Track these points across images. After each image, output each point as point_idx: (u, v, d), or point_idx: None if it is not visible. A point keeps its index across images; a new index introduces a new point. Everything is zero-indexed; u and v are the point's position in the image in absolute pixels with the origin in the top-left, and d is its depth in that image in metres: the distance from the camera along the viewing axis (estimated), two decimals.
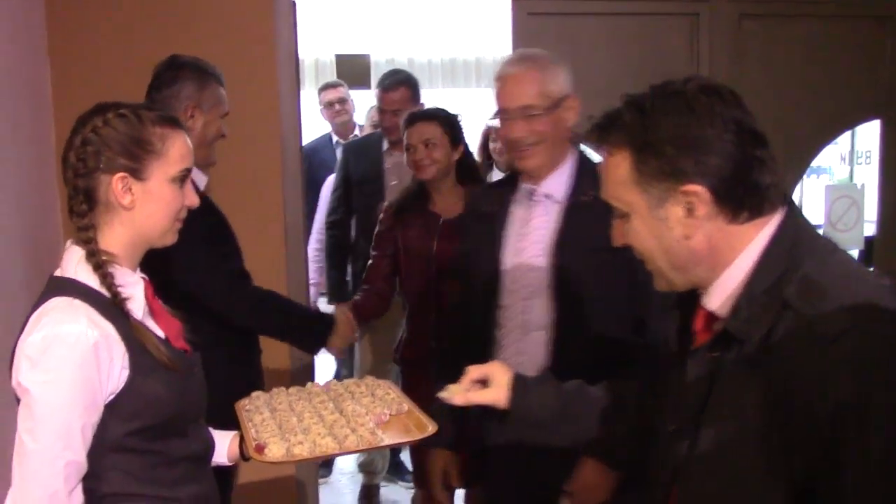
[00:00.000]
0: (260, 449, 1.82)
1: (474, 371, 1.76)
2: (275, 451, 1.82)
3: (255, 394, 2.22)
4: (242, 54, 3.23)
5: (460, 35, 7.88)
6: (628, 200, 1.36)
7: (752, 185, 1.30)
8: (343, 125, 5.11)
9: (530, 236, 2.29)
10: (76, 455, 1.49)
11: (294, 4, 3.47)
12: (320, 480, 3.97)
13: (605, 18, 3.75)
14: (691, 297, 1.43)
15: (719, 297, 1.34)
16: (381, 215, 3.29)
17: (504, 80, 2.26)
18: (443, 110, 3.23)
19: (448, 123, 3.14)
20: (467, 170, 3.21)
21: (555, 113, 2.22)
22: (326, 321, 2.78)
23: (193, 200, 1.72)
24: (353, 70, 7.67)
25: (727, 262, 1.33)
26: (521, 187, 2.34)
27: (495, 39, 7.79)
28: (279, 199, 3.40)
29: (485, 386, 1.74)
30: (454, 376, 1.80)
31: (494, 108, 2.30)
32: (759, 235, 1.31)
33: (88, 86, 3.14)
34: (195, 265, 2.36)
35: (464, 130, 3.25)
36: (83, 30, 3.19)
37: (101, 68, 3.19)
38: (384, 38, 7.86)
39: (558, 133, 2.25)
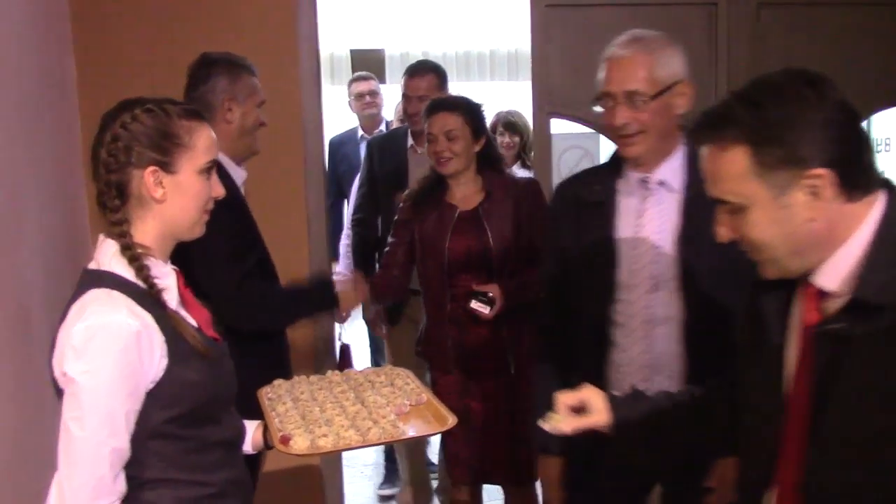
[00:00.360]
0: (285, 441, 1.86)
1: (569, 398, 1.78)
2: (300, 444, 1.86)
3: (276, 382, 2.25)
4: (265, 48, 3.24)
5: (475, 28, 7.89)
6: (748, 193, 1.40)
7: (865, 164, 1.39)
8: (371, 118, 5.03)
9: (647, 227, 2.17)
10: (120, 442, 1.54)
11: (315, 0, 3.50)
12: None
13: (623, 9, 3.75)
14: (783, 282, 1.49)
15: (836, 274, 1.39)
16: (401, 204, 3.29)
17: (610, 63, 2.15)
18: (465, 99, 3.17)
19: (470, 114, 3.08)
20: (489, 160, 3.15)
21: (662, 99, 2.10)
22: (328, 288, 2.78)
23: (220, 191, 1.75)
24: (367, 64, 7.68)
25: (842, 240, 1.39)
26: (629, 175, 2.22)
27: (509, 32, 7.83)
28: (301, 193, 3.43)
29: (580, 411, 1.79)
30: (559, 386, 1.86)
31: (600, 89, 2.18)
32: (871, 211, 1.38)
33: (112, 81, 3.17)
34: (210, 264, 2.33)
35: (486, 121, 3.19)
36: (107, 25, 3.22)
37: (125, 63, 3.22)
38: (398, 32, 7.87)
39: (666, 121, 2.13)
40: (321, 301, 2.77)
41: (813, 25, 3.89)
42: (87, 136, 3.12)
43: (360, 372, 2.36)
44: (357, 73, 5.45)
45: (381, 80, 7.35)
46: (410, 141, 3.99)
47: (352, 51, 7.90)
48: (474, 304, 2.93)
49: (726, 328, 2.03)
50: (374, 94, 5.08)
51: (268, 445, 1.98)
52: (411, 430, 2.01)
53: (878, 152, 7.37)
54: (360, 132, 5.01)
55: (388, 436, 1.93)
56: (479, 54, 8.03)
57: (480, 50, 8.05)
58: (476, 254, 3.02)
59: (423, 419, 2.06)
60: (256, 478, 2.70)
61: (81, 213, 3.14)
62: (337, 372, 2.40)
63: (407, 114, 3.97)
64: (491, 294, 2.91)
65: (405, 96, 3.93)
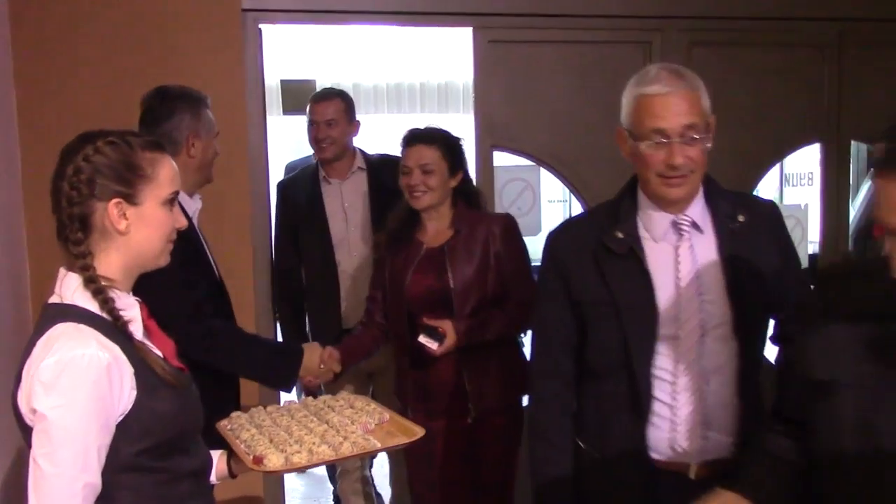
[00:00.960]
0: (258, 460, 1.85)
1: None
2: (274, 461, 1.85)
3: (234, 414, 2.23)
4: (212, 79, 3.24)
5: (406, 60, 7.97)
6: None
7: None
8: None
9: (687, 272, 2.03)
10: (92, 477, 1.52)
11: (261, 31, 3.51)
12: None
13: (563, 46, 3.86)
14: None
15: None
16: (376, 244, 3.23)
17: (660, 100, 1.96)
18: (444, 132, 3.01)
19: (448, 147, 2.95)
20: (466, 196, 3.02)
21: (709, 135, 2.01)
22: (294, 354, 2.72)
23: (182, 222, 1.76)
24: (298, 95, 7.68)
25: None
26: (654, 217, 2.07)
27: (440, 64, 7.93)
28: (247, 222, 3.43)
29: None
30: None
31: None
32: None
33: (54, 111, 3.13)
34: (160, 290, 2.30)
35: (464, 155, 3.06)
36: (50, 54, 3.16)
37: (68, 91, 3.18)
38: (329, 63, 7.89)
39: (706, 158, 2.02)
40: (278, 367, 2.66)
41: (742, 65, 4.07)
42: (28, 165, 3.09)
43: (318, 399, 2.36)
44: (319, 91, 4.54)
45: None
46: (322, 173, 3.77)
47: (282, 81, 7.88)
48: (422, 339, 2.83)
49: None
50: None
51: (232, 475, 1.96)
52: (382, 443, 2.02)
53: (801, 186, 7.73)
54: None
55: (360, 448, 1.95)
56: (409, 86, 8.11)
57: (411, 82, 8.13)
58: (436, 292, 2.89)
59: (390, 434, 2.08)
60: None
61: (21, 248, 3.07)
62: (294, 401, 2.40)
63: (315, 138, 3.73)
64: (441, 329, 2.81)
65: (312, 122, 3.74)
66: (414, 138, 2.98)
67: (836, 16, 4.12)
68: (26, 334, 2.87)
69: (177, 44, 3.27)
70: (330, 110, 3.70)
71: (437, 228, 2.98)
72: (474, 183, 3.55)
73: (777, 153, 4.39)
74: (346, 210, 3.71)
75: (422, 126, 3.06)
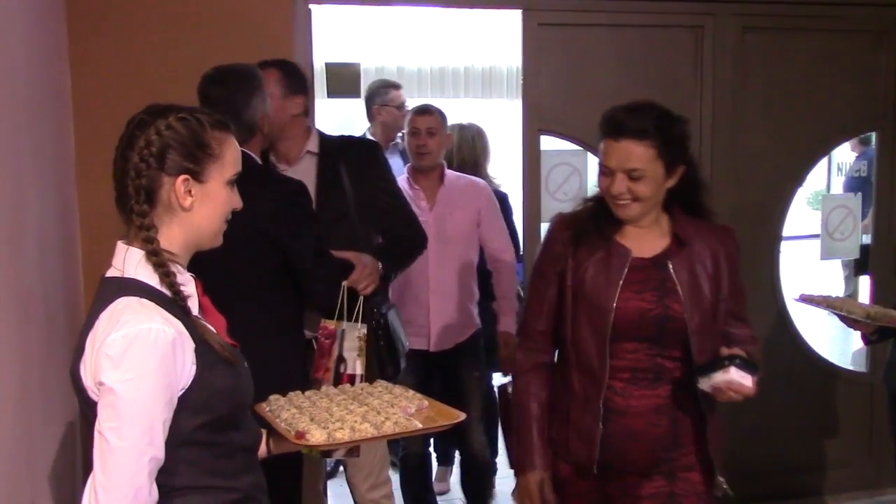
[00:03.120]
0: (301, 435, 1.84)
1: None
2: (317, 436, 1.84)
3: (272, 397, 2.23)
4: (261, 59, 3.25)
5: (450, 44, 7.95)
6: None
7: None
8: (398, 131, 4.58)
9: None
10: (158, 451, 1.53)
11: (310, 11, 3.51)
12: None
13: (614, 30, 3.82)
14: None
15: None
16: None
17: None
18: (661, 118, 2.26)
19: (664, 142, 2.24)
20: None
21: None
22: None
23: (239, 203, 1.77)
24: (342, 78, 7.67)
25: None
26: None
27: (485, 49, 7.90)
28: None
29: None
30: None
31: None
32: None
33: (107, 90, 3.16)
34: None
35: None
36: (103, 34, 3.19)
37: (120, 73, 3.21)
38: (374, 46, 7.89)
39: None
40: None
41: (795, 50, 4.01)
42: (81, 143, 3.14)
43: (355, 386, 2.36)
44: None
45: (357, 94, 7.38)
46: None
47: (327, 64, 7.89)
48: (734, 374, 2.07)
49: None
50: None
51: (270, 453, 1.97)
52: (424, 424, 2.02)
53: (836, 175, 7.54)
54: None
55: (402, 427, 1.94)
56: (454, 70, 8.09)
57: (455, 66, 8.11)
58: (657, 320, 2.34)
59: (430, 419, 2.08)
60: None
61: (73, 220, 3.11)
62: (331, 386, 2.40)
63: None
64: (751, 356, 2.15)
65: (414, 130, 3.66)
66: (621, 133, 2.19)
67: (892, 1, 4.03)
68: (79, 305, 2.95)
69: (228, 23, 3.28)
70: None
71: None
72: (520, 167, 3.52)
73: (829, 143, 4.32)
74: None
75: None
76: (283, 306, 2.68)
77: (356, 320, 2.75)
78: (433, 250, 3.44)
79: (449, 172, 3.76)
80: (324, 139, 3.11)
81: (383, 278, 2.93)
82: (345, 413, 2.00)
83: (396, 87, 4.76)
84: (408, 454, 3.88)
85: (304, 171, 3.01)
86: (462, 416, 2.03)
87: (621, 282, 2.22)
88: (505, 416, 2.64)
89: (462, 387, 3.70)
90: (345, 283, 2.76)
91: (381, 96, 4.63)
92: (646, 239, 2.27)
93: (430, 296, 3.65)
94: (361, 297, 2.76)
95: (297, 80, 3.00)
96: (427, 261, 3.48)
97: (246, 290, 2.53)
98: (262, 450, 1.96)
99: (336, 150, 3.09)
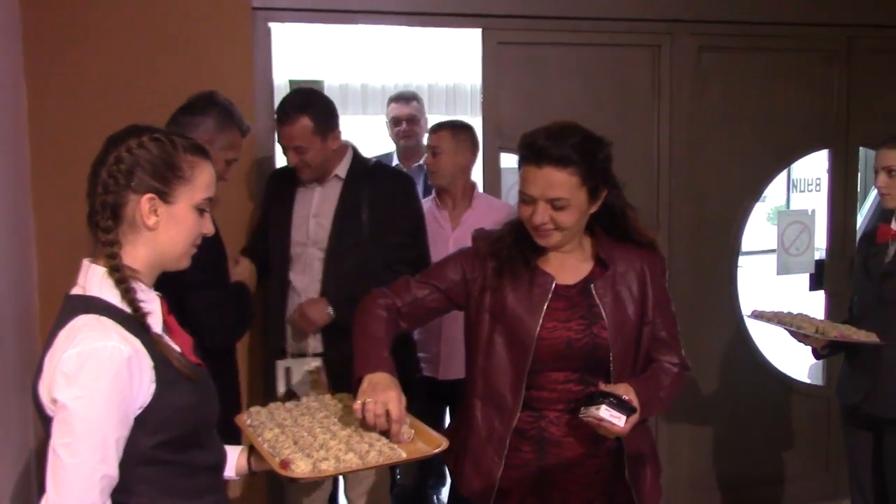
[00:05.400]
0: (285, 465, 1.84)
1: None
2: (302, 467, 1.83)
3: (253, 409, 2.22)
4: (220, 78, 3.25)
5: (414, 61, 7.97)
6: None
7: None
8: (410, 149, 4.38)
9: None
10: (110, 468, 1.53)
11: (270, 30, 3.52)
12: None
13: (572, 48, 3.87)
14: None
15: None
16: None
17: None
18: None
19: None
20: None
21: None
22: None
23: (210, 229, 1.78)
24: None
25: None
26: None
27: (448, 66, 7.93)
28: (253, 221, 3.43)
29: None
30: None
31: None
32: None
33: (64, 106, 3.15)
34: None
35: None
36: (60, 51, 3.18)
37: (77, 89, 3.19)
38: (338, 63, 7.89)
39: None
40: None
41: (750, 70, 4.08)
42: (37, 165, 3.11)
43: (335, 397, 2.34)
44: (398, 93, 4.60)
45: None
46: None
47: (291, 81, 7.89)
48: (604, 412, 2.03)
49: None
50: (413, 120, 4.38)
51: (252, 471, 1.96)
52: (408, 454, 1.99)
53: (808, 192, 7.74)
54: (396, 161, 4.38)
55: (386, 458, 1.93)
56: (417, 87, 8.10)
57: (419, 83, 8.13)
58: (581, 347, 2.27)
59: (413, 443, 2.06)
60: None
61: (29, 241, 3.08)
62: (312, 396, 2.37)
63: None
64: (628, 398, 2.07)
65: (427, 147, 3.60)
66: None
67: (845, 22, 4.12)
68: (32, 325, 2.92)
69: (186, 41, 3.28)
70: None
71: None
72: (481, 184, 3.49)
73: (785, 159, 4.39)
74: (312, 221, 3.11)
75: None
76: None
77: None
78: None
79: (481, 195, 3.63)
80: (355, 163, 3.12)
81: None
82: (328, 438, 1.98)
83: (398, 98, 4.46)
84: (402, 489, 3.76)
85: (329, 195, 3.07)
86: (445, 443, 1.99)
87: (544, 310, 2.16)
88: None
89: None
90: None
91: (387, 111, 4.46)
92: (568, 264, 2.22)
93: (442, 321, 3.32)
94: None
95: (328, 117, 3.02)
96: None
97: None
98: (243, 467, 1.95)
99: (363, 176, 3.08)
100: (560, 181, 2.06)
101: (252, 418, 2.12)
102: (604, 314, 2.16)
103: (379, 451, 1.91)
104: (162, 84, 3.18)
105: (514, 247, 2.21)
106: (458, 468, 2.30)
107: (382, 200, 3.02)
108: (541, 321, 2.15)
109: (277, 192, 3.18)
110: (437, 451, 1.99)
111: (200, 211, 1.72)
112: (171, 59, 3.26)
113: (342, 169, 3.08)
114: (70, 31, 3.19)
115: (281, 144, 3.06)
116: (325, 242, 3.03)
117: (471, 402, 2.29)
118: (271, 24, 3.53)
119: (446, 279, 2.27)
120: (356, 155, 3.15)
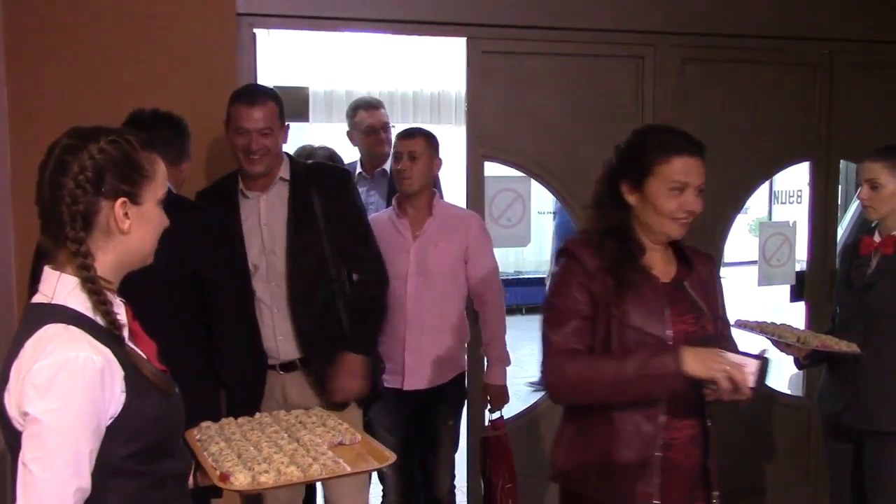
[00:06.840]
0: (225, 477, 1.83)
1: None
2: (241, 480, 1.83)
3: (204, 424, 2.20)
4: (205, 84, 3.24)
5: (399, 69, 7.98)
6: None
7: None
8: (377, 157, 4.21)
9: None
10: (83, 481, 1.49)
11: (255, 36, 3.51)
12: None
13: (557, 59, 3.87)
14: None
15: None
16: None
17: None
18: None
19: None
20: None
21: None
22: None
23: (167, 221, 1.74)
24: (291, 102, 7.66)
25: None
26: None
27: (433, 74, 7.95)
28: None
29: None
30: None
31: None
32: None
33: (46, 112, 3.12)
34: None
35: None
36: (43, 55, 3.15)
37: (60, 94, 3.16)
38: (323, 70, 7.90)
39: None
40: None
41: (733, 82, 4.10)
42: (17, 169, 3.08)
43: (290, 413, 2.33)
44: (362, 100, 4.43)
45: (305, 118, 7.35)
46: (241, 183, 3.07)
47: (276, 87, 7.87)
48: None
49: None
50: (386, 127, 4.28)
51: (197, 486, 1.94)
52: (352, 467, 1.99)
53: (790, 204, 7.80)
54: (359, 169, 4.25)
55: (330, 471, 1.92)
56: (402, 94, 8.12)
57: (404, 91, 8.15)
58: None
59: (361, 457, 2.05)
60: None
61: (7, 247, 3.05)
62: (266, 413, 2.35)
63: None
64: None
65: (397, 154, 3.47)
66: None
67: (827, 36, 4.16)
68: (11, 330, 2.88)
69: (171, 46, 3.26)
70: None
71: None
72: (464, 193, 3.49)
73: (767, 171, 4.42)
74: (264, 230, 3.01)
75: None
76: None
77: None
78: (412, 283, 3.35)
79: (442, 203, 3.54)
80: (294, 165, 3.08)
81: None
82: (273, 451, 1.98)
83: (368, 107, 4.28)
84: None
85: (274, 202, 2.99)
86: (392, 457, 2.00)
87: (666, 308, 2.18)
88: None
89: (434, 433, 3.52)
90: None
91: (350, 119, 4.27)
92: (660, 263, 2.27)
93: (406, 331, 3.37)
94: None
95: (283, 110, 2.99)
96: (405, 293, 3.35)
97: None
98: (189, 481, 1.93)
99: (307, 175, 3.06)
100: (701, 171, 2.21)
101: (202, 433, 2.11)
102: (705, 308, 2.26)
103: (323, 465, 1.90)
104: (147, 89, 3.16)
105: (622, 252, 2.20)
106: (603, 479, 2.26)
107: (331, 193, 3.02)
108: (669, 316, 2.18)
109: (215, 209, 3.00)
110: (382, 465, 2.00)
111: (162, 205, 1.69)
112: (156, 64, 3.24)
113: (285, 170, 3.03)
114: (52, 36, 3.17)
115: (240, 128, 2.89)
116: (283, 246, 2.97)
117: (607, 411, 2.21)
118: (256, 30, 3.52)
119: (583, 307, 2.19)
120: (291, 157, 3.12)
